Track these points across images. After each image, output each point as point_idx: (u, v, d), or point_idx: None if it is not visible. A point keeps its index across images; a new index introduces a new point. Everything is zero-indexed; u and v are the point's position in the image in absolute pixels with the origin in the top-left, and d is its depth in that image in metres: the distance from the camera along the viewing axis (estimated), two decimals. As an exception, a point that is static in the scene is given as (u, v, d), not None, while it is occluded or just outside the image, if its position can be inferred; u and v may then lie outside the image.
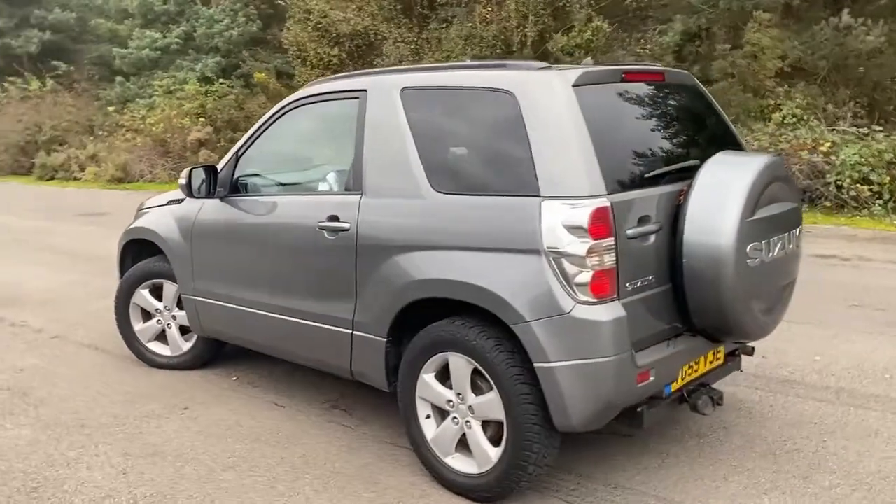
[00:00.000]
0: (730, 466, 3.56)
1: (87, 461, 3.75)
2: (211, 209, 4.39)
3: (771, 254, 3.21)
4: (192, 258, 4.54)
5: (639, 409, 3.16)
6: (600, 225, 2.88)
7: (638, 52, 14.32)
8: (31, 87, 24.76)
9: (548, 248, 2.91)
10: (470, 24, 15.18)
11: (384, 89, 3.63)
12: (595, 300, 2.89)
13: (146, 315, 5.07)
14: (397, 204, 3.45)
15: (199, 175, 4.25)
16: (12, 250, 9.81)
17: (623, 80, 3.35)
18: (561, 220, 2.89)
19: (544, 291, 2.91)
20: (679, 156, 3.37)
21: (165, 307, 4.96)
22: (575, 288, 2.88)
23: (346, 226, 3.60)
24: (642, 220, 3.05)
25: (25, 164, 22.14)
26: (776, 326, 3.58)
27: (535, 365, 2.96)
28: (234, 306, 4.31)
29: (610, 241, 2.90)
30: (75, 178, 20.57)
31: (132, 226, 5.05)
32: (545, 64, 3.23)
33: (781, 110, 12.30)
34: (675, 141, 3.49)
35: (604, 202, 2.90)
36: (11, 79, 25.39)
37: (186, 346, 4.97)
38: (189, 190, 4.24)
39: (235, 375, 4.89)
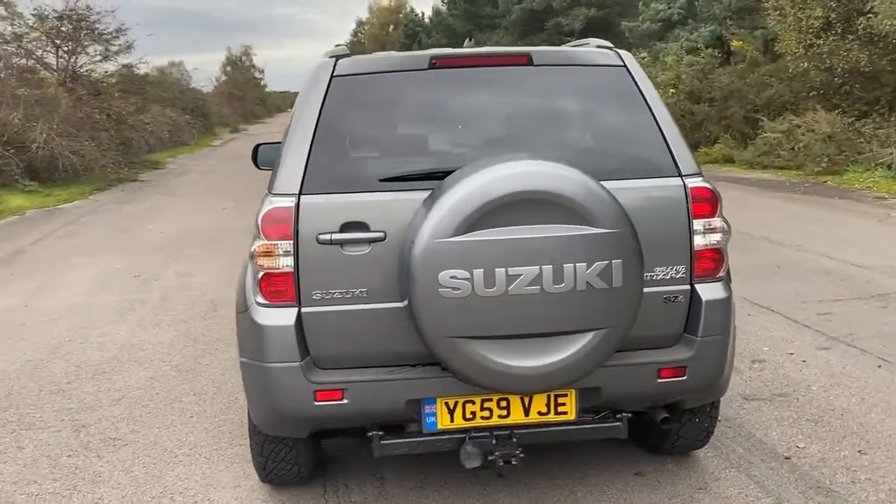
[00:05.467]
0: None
1: (142, 344, 5.05)
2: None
3: (499, 288, 2.47)
4: None
5: (368, 434, 2.87)
6: (273, 226, 2.73)
7: None
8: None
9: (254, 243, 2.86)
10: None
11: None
12: (265, 302, 2.77)
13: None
14: None
15: (268, 150, 4.77)
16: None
17: (434, 67, 2.95)
18: (259, 217, 2.81)
19: (244, 287, 2.93)
20: (463, 159, 2.79)
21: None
22: (255, 287, 2.81)
23: None
24: (350, 227, 2.72)
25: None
26: (567, 385, 2.67)
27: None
28: None
29: (287, 243, 2.72)
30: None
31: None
32: (345, 51, 3.08)
33: None
34: (477, 141, 2.98)
35: (282, 202, 2.73)
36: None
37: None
38: (255, 163, 4.78)
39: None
